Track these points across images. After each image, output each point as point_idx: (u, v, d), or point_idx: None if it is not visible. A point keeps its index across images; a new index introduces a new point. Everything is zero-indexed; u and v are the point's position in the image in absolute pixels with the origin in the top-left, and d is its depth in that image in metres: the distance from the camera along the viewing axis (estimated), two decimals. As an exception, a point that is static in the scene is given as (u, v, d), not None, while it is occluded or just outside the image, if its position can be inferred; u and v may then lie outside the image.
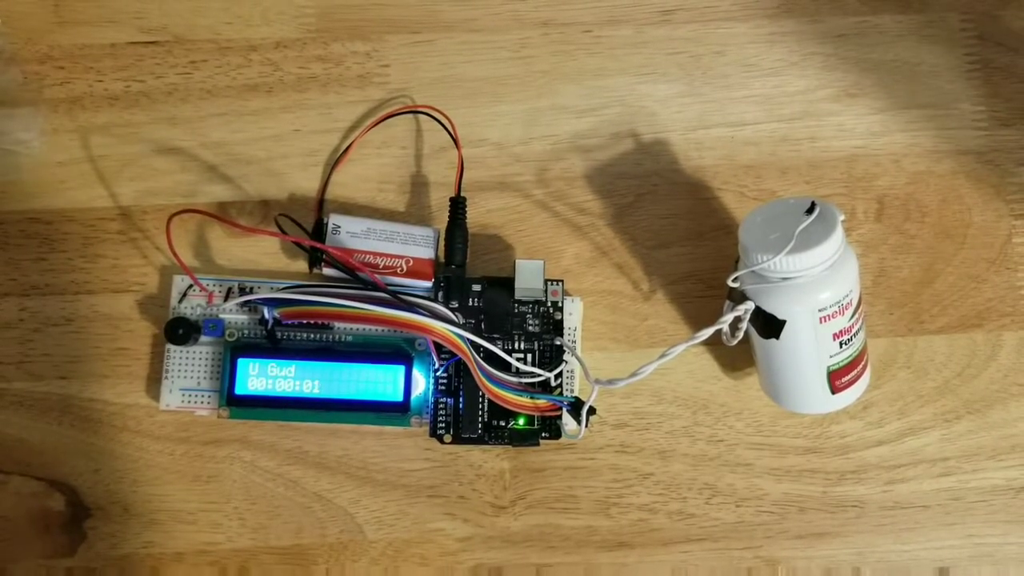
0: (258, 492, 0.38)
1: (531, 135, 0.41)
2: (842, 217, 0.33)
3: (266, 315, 0.37)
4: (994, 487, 0.39)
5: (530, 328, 0.38)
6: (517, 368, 0.37)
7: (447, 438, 0.38)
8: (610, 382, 0.35)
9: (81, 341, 0.39)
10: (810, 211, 0.33)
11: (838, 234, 0.33)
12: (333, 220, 0.38)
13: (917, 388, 0.40)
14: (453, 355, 0.37)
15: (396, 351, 0.38)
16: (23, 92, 0.41)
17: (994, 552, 0.39)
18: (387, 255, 0.38)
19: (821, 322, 0.34)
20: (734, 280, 0.34)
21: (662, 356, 0.34)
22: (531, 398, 0.37)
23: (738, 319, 0.35)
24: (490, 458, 0.39)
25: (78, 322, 0.39)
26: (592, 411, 0.37)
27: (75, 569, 0.38)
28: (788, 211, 0.34)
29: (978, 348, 0.40)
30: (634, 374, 0.34)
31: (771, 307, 0.34)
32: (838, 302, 0.33)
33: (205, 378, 0.38)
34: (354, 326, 0.38)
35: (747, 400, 0.39)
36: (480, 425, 0.37)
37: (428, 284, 0.38)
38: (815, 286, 0.33)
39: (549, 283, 0.38)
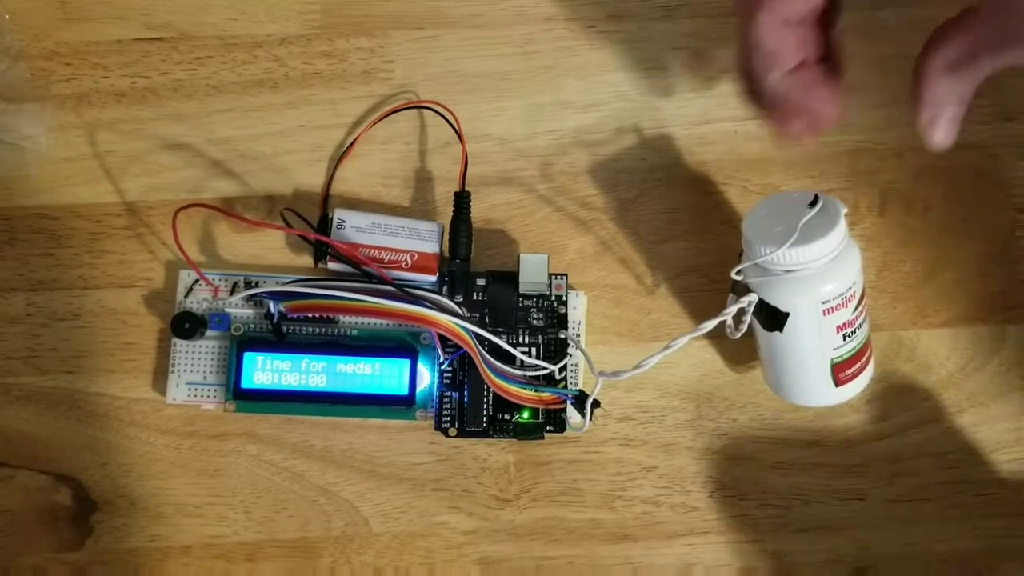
0: (264, 485, 0.39)
1: (535, 130, 0.41)
2: (845, 210, 0.34)
3: (272, 309, 0.37)
4: (998, 480, 0.39)
5: (534, 322, 0.38)
6: (522, 361, 0.37)
7: (452, 431, 0.38)
8: (614, 374, 0.35)
9: (88, 336, 0.39)
10: (813, 204, 0.33)
11: (841, 227, 0.33)
12: (338, 215, 0.38)
13: (921, 382, 0.40)
14: (458, 349, 0.37)
15: (401, 345, 0.38)
16: (30, 88, 0.41)
17: (997, 545, 0.39)
18: (392, 249, 0.38)
19: (824, 314, 0.34)
20: (737, 273, 0.34)
21: (666, 348, 0.34)
22: (536, 391, 0.37)
23: (741, 312, 0.35)
24: (495, 451, 0.39)
25: (85, 317, 0.40)
26: (596, 404, 0.37)
27: (82, 563, 0.38)
28: (791, 204, 0.34)
29: (982, 342, 0.40)
30: (638, 366, 0.34)
31: (774, 300, 0.34)
32: (841, 294, 0.34)
33: (211, 372, 0.38)
34: (359, 320, 0.38)
35: (751, 394, 0.39)
36: (485, 418, 0.38)
37: (433, 278, 0.38)
38: (818, 278, 0.33)
39: (553, 277, 0.39)
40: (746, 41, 0.33)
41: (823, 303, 0.34)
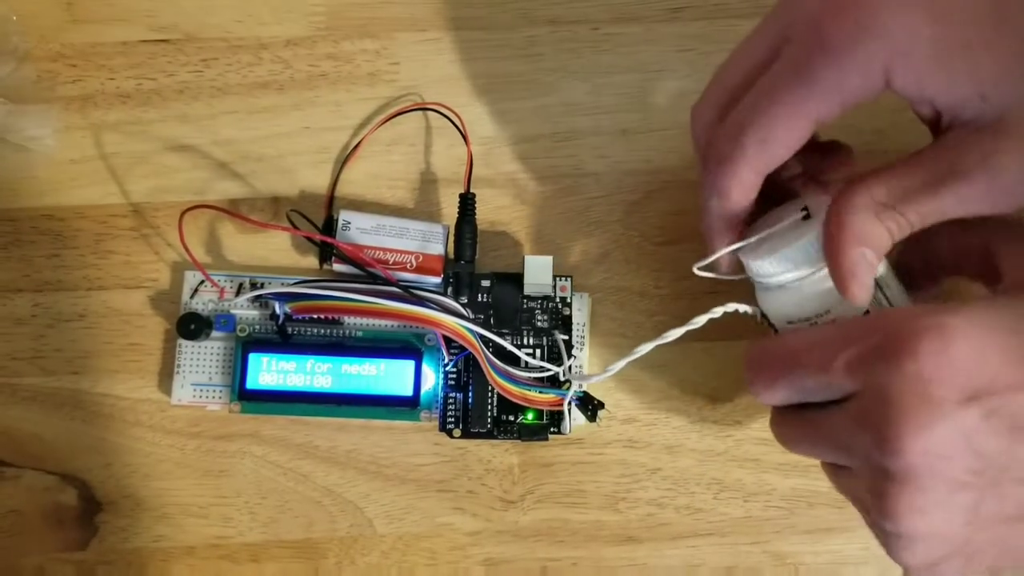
0: (269, 486, 0.39)
1: (540, 132, 0.41)
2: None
3: (277, 310, 0.37)
4: (1002, 482, 0.39)
5: (539, 324, 0.39)
6: (526, 363, 0.37)
7: (456, 432, 0.38)
8: (585, 377, 0.36)
9: (93, 337, 0.40)
10: (804, 214, 0.31)
11: (803, 247, 0.30)
12: (343, 216, 0.38)
13: (925, 384, 0.40)
14: (462, 350, 0.37)
15: (406, 346, 0.38)
16: (36, 90, 0.41)
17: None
18: (397, 251, 0.38)
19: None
20: (700, 268, 0.33)
21: (633, 353, 0.34)
22: (540, 392, 0.37)
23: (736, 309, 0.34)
24: (499, 453, 0.39)
25: (90, 318, 0.40)
26: (600, 405, 0.37)
27: (87, 563, 0.38)
28: (792, 212, 0.32)
29: (986, 344, 0.40)
30: (605, 370, 0.34)
31: (759, 303, 0.34)
32: (807, 319, 0.31)
33: (216, 373, 0.38)
34: (364, 321, 0.38)
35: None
36: (489, 420, 0.38)
37: (437, 280, 0.38)
38: (779, 296, 0.32)
39: (557, 279, 0.39)
40: (713, 188, 0.31)
41: (788, 322, 0.32)
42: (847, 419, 0.28)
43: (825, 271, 0.30)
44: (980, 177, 0.27)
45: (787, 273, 0.31)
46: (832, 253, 0.29)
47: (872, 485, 0.27)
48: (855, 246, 0.28)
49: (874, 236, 0.28)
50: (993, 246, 0.31)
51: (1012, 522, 0.27)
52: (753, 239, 0.32)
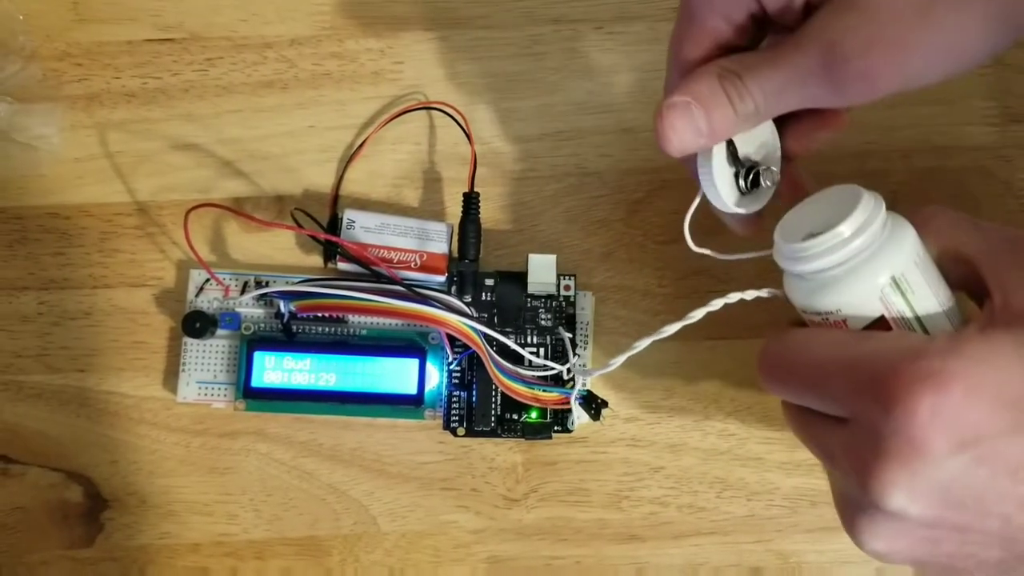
0: (273, 484, 0.39)
1: (543, 131, 0.41)
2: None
3: (282, 308, 0.38)
4: (1005, 481, 0.39)
5: (542, 322, 0.39)
6: (530, 361, 0.37)
7: (460, 431, 0.38)
8: (587, 372, 0.37)
9: (99, 335, 0.40)
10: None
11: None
12: (348, 215, 0.39)
13: (928, 383, 0.40)
14: (467, 348, 0.37)
15: (410, 344, 0.38)
16: (42, 89, 0.41)
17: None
18: (401, 250, 0.38)
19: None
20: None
21: (631, 348, 0.33)
22: (543, 391, 0.37)
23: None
24: (503, 451, 0.39)
25: (96, 316, 0.40)
26: (604, 404, 0.37)
27: (92, 559, 0.39)
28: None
29: (989, 343, 0.40)
30: (607, 364, 0.34)
31: (784, 287, 0.32)
32: (818, 313, 0.30)
33: (221, 371, 0.38)
34: (368, 320, 0.39)
35: (758, 394, 0.39)
36: (493, 418, 0.38)
37: (441, 278, 0.38)
38: (799, 283, 0.30)
39: (561, 278, 0.39)
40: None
41: (803, 312, 0.31)
42: (839, 440, 0.28)
43: (844, 267, 0.29)
44: (814, 47, 0.27)
45: (817, 260, 0.29)
46: (663, 102, 0.29)
47: (843, 500, 0.29)
48: (684, 95, 0.29)
49: (709, 94, 0.29)
50: (980, 265, 0.29)
51: (965, 557, 0.28)
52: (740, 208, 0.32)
